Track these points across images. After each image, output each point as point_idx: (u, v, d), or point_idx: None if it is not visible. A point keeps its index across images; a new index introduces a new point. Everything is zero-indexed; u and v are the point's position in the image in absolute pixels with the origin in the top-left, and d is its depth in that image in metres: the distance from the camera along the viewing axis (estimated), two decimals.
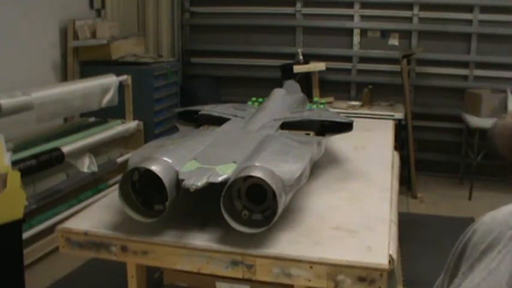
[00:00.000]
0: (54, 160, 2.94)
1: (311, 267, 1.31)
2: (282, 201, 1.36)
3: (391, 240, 1.44)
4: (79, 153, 3.21)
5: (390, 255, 1.33)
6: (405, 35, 4.74)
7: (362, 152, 2.31)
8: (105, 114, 3.75)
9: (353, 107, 4.46)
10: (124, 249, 1.44)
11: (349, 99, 4.77)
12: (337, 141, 2.25)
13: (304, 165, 1.52)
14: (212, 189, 1.41)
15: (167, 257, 1.42)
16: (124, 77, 3.68)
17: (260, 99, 2.63)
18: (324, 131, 1.98)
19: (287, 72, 4.42)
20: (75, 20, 4.04)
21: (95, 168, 3.31)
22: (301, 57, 4.65)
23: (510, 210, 0.62)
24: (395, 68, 4.57)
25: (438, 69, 4.71)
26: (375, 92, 4.61)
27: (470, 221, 0.70)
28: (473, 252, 0.62)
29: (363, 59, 4.85)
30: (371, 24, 4.79)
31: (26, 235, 2.67)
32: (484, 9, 4.52)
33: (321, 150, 1.84)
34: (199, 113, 2.09)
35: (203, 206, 1.59)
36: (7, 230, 2.03)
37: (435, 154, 4.83)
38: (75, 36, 4.04)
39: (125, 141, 3.80)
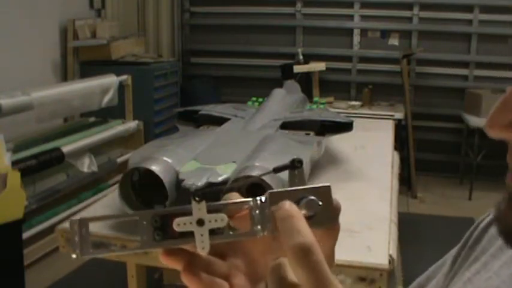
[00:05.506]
0: (54, 160, 2.94)
1: None
2: None
3: (391, 240, 1.44)
4: (79, 153, 3.21)
5: (390, 255, 1.33)
6: (405, 35, 4.74)
7: (362, 152, 2.31)
8: (105, 114, 3.75)
9: (353, 107, 4.45)
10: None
11: (349, 99, 4.77)
12: (337, 141, 2.25)
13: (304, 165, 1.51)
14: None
15: None
16: (124, 77, 3.68)
17: (260, 99, 2.63)
18: (324, 131, 1.98)
19: (287, 72, 4.42)
20: (75, 20, 4.04)
21: (95, 168, 3.31)
22: (301, 57, 4.64)
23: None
24: (395, 68, 4.57)
25: (438, 69, 4.71)
26: (375, 92, 4.61)
27: (470, 220, 0.70)
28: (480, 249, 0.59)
29: (363, 59, 4.85)
30: (371, 24, 4.79)
31: (26, 235, 2.67)
32: (484, 9, 4.52)
33: (321, 150, 1.84)
34: (199, 113, 2.09)
35: None
36: (7, 230, 2.03)
37: (435, 154, 4.83)
38: (75, 36, 4.04)
39: (124, 141, 3.80)
